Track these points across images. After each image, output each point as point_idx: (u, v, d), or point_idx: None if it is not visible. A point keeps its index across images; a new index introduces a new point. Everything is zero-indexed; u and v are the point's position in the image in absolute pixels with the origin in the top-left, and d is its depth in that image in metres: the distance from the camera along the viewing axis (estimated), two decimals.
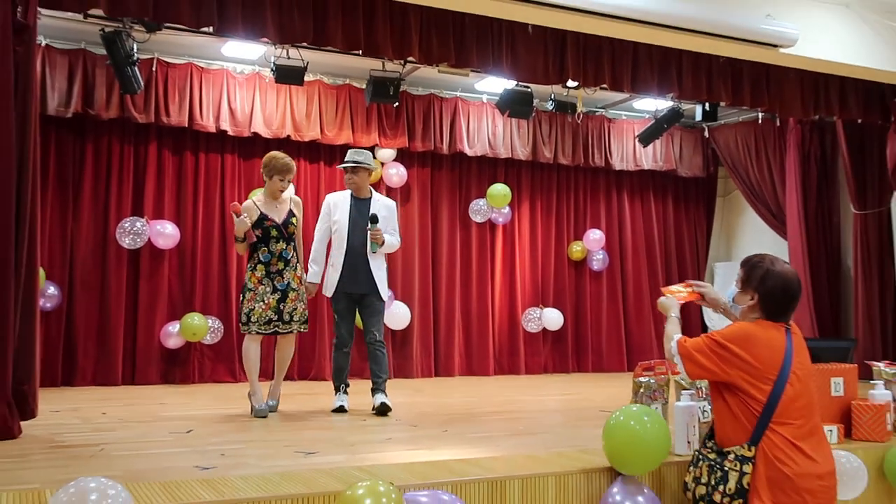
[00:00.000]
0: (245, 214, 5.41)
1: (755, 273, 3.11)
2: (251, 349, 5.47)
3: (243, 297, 5.49)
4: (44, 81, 7.14)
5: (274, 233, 5.47)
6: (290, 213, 5.59)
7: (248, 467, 3.55)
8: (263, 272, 5.45)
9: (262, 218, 5.48)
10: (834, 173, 9.10)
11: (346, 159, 5.86)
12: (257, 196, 5.67)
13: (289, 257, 5.53)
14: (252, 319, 5.40)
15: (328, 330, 8.38)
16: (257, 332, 5.42)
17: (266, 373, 6.04)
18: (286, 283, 5.48)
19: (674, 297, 3.47)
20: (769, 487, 2.93)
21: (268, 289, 5.42)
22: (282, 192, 5.59)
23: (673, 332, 3.26)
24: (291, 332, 5.56)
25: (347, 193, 5.87)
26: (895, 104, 7.72)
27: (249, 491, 2.87)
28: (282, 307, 5.44)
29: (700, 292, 3.54)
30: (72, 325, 7.50)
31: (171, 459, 3.82)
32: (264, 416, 5.36)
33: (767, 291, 3.06)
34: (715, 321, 9.88)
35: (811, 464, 2.94)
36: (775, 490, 2.91)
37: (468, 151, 8.96)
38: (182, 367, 7.82)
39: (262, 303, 5.41)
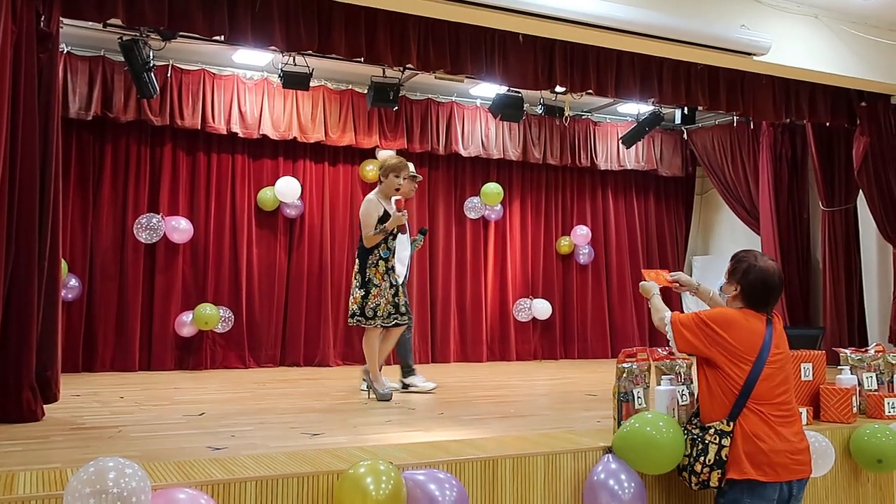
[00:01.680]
0: (405, 211, 5.37)
1: (740, 266, 3.16)
2: (376, 341, 5.41)
3: (367, 292, 5.34)
4: (66, 86, 7.11)
5: (394, 231, 5.41)
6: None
7: (257, 448, 3.54)
8: (384, 268, 5.38)
9: (387, 216, 5.38)
10: (804, 173, 9.10)
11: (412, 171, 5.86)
12: (376, 193, 5.52)
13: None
14: (378, 314, 5.32)
15: (332, 317, 8.37)
16: (381, 326, 5.38)
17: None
18: (399, 278, 5.48)
19: (653, 280, 3.60)
20: (746, 460, 2.97)
21: (387, 284, 5.36)
22: (397, 190, 5.45)
23: (662, 308, 3.37)
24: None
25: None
26: (861, 108, 7.71)
27: (258, 470, 2.86)
28: (397, 301, 5.40)
29: (675, 281, 3.66)
30: (92, 315, 7.48)
31: (185, 440, 3.81)
32: (389, 399, 5.33)
33: (749, 283, 3.12)
34: (692, 307, 9.88)
35: (785, 442, 2.98)
36: (751, 462, 2.96)
37: (463, 152, 8.95)
38: (195, 354, 7.80)
39: (384, 298, 5.34)
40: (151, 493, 2.36)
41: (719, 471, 3.04)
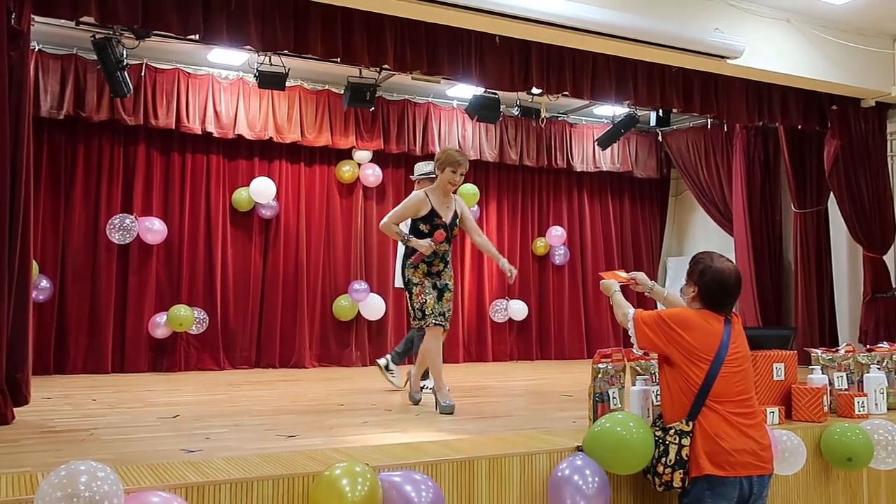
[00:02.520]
0: (433, 242, 4.90)
1: (696, 268, 3.20)
2: (434, 346, 4.99)
3: (410, 292, 5.01)
4: (37, 85, 7.02)
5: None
6: (455, 216, 5.10)
7: (232, 450, 3.51)
8: (425, 271, 5.02)
9: (433, 214, 5.00)
10: (776, 175, 9.20)
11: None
12: (430, 189, 5.13)
13: (448, 259, 5.11)
14: (427, 312, 4.93)
15: (308, 318, 8.34)
16: (436, 324, 4.95)
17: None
18: (444, 282, 5.07)
19: (612, 279, 3.67)
20: (705, 458, 2.99)
21: (428, 285, 5.00)
22: (452, 185, 5.04)
23: (624, 304, 3.42)
24: (446, 328, 5.10)
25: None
26: (832, 112, 7.81)
27: (233, 472, 2.84)
28: (438, 305, 5.00)
29: (632, 279, 3.75)
30: (63, 316, 7.38)
31: (159, 443, 3.78)
32: (451, 413, 4.80)
33: (705, 284, 3.15)
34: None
35: (746, 440, 3.00)
36: (711, 460, 2.98)
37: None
38: (169, 355, 7.74)
39: (430, 296, 4.97)
40: (124, 496, 2.33)
41: (681, 471, 3.05)
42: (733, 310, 3.23)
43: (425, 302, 4.95)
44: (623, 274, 3.76)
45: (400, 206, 5.19)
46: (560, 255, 9.82)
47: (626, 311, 3.35)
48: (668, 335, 3.12)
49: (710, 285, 3.13)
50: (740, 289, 3.20)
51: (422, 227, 5.01)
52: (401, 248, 5.45)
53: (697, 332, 3.08)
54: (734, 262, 3.30)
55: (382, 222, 5.11)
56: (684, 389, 3.08)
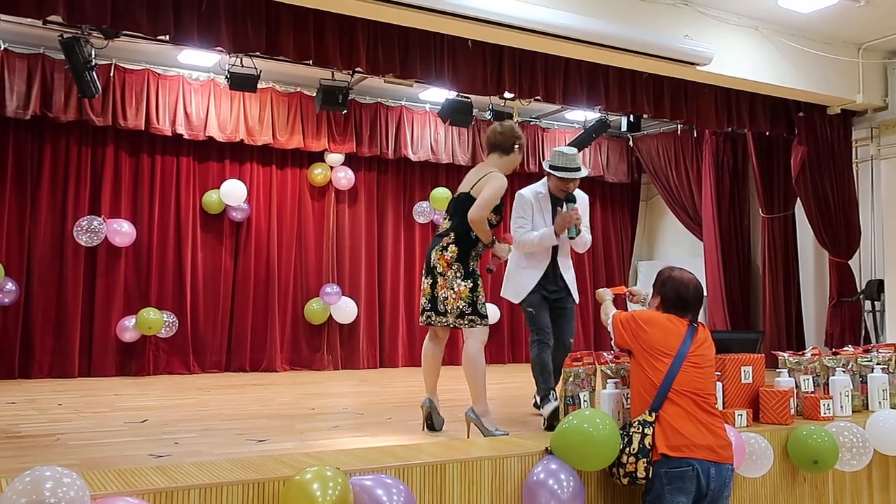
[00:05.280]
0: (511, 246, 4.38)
1: (659, 279, 3.47)
2: (481, 357, 4.26)
3: (473, 290, 4.20)
4: (2, 84, 6.93)
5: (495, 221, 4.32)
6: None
7: (201, 455, 3.48)
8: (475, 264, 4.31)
9: (502, 203, 4.34)
10: (745, 181, 9.33)
11: (565, 165, 4.53)
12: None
13: None
14: (483, 312, 4.26)
15: (279, 321, 8.29)
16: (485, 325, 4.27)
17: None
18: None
19: (607, 289, 3.95)
20: (664, 443, 3.13)
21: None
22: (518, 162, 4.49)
23: (609, 308, 3.68)
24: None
25: (538, 190, 4.67)
26: (799, 118, 7.94)
27: (202, 477, 2.81)
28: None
29: (630, 291, 4.11)
30: (29, 319, 7.27)
31: (126, 448, 3.74)
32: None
33: (665, 293, 3.41)
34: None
35: (704, 433, 3.14)
36: (668, 444, 3.12)
37: (412, 157, 8.95)
38: (138, 359, 7.65)
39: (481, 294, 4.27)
40: (91, 502, 2.30)
41: (644, 459, 3.16)
42: (698, 320, 3.43)
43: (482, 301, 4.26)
44: (625, 288, 4.07)
45: (495, 196, 4.25)
46: None
47: (608, 314, 3.60)
48: (635, 331, 3.34)
49: (669, 295, 3.39)
50: (700, 300, 3.43)
51: (492, 218, 4.29)
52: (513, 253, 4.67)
53: (659, 330, 3.30)
54: (699, 270, 3.45)
55: (475, 214, 4.15)
56: (646, 384, 3.25)
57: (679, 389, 3.19)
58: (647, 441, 3.16)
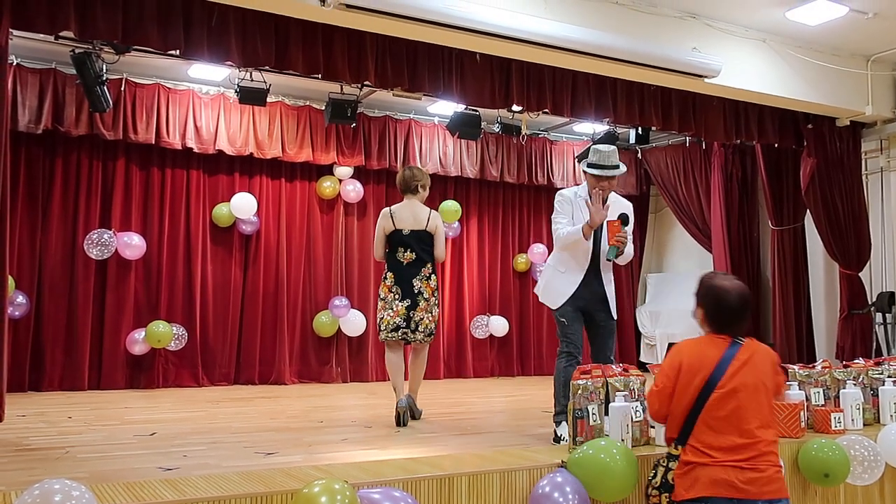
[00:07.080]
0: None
1: (699, 288, 3.08)
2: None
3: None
4: (15, 99, 6.97)
5: None
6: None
7: (210, 468, 3.48)
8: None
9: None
10: (754, 192, 9.31)
11: (600, 162, 4.34)
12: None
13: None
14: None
15: (288, 334, 8.30)
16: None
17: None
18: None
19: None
20: (682, 489, 2.90)
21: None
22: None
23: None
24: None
25: (578, 192, 4.50)
26: (807, 130, 7.92)
27: (210, 490, 2.81)
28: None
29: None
30: (40, 332, 7.30)
31: (135, 461, 3.74)
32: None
33: (705, 304, 3.04)
34: (648, 328, 10.01)
35: (726, 469, 2.82)
36: (696, 486, 2.85)
37: None
38: (147, 372, 7.66)
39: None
40: None
41: (667, 494, 2.99)
42: (744, 335, 3.05)
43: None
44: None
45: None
46: (541, 272, 9.84)
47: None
48: (668, 375, 2.99)
49: (708, 304, 3.02)
50: (745, 310, 3.03)
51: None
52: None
53: (685, 373, 2.96)
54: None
55: (444, 256, 5.65)
56: (676, 415, 2.99)
57: (709, 420, 2.88)
58: (671, 476, 2.98)
